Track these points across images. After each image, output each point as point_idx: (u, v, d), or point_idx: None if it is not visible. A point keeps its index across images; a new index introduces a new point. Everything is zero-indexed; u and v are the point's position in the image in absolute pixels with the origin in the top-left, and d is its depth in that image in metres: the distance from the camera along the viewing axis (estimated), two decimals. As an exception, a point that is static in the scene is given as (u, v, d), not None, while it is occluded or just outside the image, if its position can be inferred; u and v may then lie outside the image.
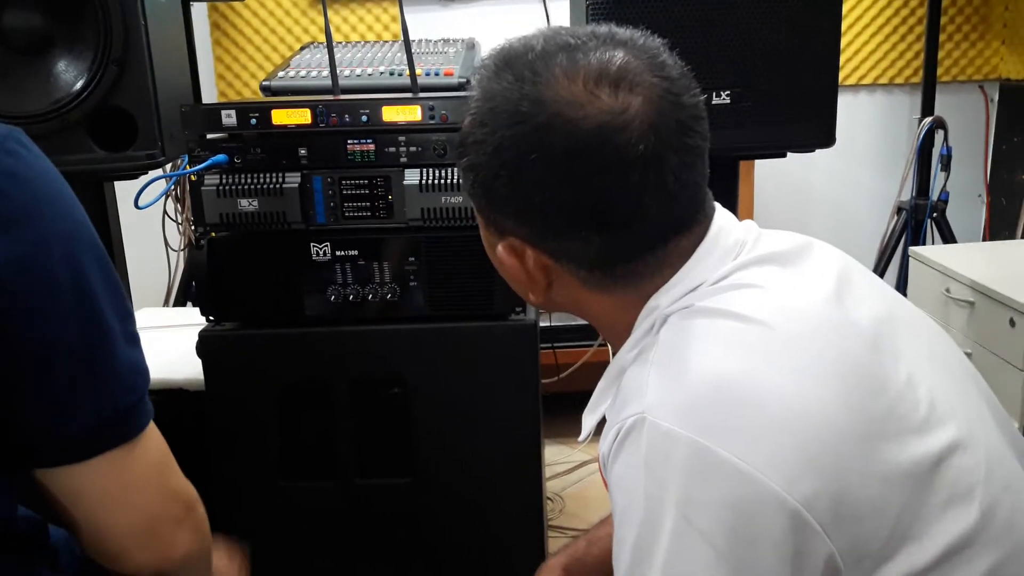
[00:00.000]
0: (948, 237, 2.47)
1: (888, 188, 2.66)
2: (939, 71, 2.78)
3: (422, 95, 1.36)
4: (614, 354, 0.80)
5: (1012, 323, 1.66)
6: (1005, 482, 0.70)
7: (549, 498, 2.06)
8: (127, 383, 0.75)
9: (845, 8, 2.73)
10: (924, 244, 2.52)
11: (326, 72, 2.13)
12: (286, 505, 1.40)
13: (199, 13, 2.64)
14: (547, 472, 1.92)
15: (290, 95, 2.14)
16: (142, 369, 0.78)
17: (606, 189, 0.70)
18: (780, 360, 0.66)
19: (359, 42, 2.56)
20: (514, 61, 0.73)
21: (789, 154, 1.50)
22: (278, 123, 1.31)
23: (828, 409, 0.65)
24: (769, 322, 0.68)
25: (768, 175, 2.51)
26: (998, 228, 2.82)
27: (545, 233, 0.74)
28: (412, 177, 1.31)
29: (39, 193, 0.70)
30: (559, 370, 2.22)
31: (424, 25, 2.65)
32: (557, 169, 0.70)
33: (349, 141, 1.32)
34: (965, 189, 2.87)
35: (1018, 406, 1.66)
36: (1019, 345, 1.64)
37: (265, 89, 2.16)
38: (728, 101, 1.35)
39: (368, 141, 1.32)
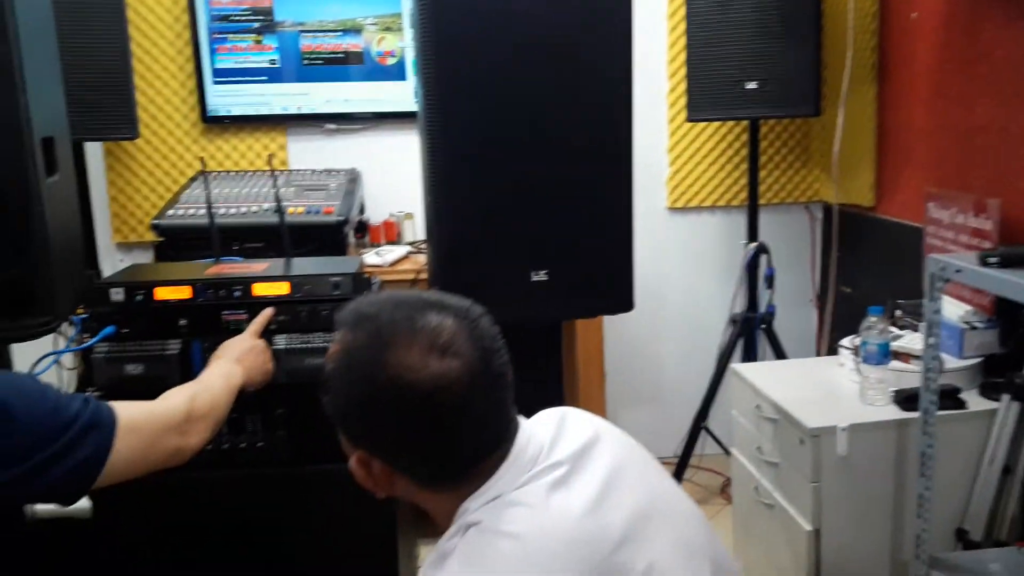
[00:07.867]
0: (776, 346, 2.82)
1: (729, 300, 3.01)
2: (770, 194, 3.19)
3: (289, 275, 1.57)
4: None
5: (801, 442, 1.97)
6: None
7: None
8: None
9: (685, 136, 3.12)
10: (756, 352, 2.86)
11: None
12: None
13: (94, 147, 2.80)
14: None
15: (178, 233, 2.34)
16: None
17: (433, 432, 0.93)
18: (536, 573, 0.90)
19: (247, 171, 2.77)
20: (367, 323, 0.96)
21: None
22: (160, 298, 1.51)
23: None
24: (532, 541, 0.90)
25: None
26: (826, 331, 3.21)
27: (387, 455, 0.97)
28: (280, 342, 1.52)
29: None
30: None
31: (308, 154, 2.89)
32: (396, 417, 0.93)
33: (225, 312, 1.53)
34: (798, 296, 3.26)
35: (809, 513, 1.97)
36: (808, 461, 1.95)
37: (155, 227, 2.35)
38: (546, 278, 1.63)
39: (242, 312, 1.53)
